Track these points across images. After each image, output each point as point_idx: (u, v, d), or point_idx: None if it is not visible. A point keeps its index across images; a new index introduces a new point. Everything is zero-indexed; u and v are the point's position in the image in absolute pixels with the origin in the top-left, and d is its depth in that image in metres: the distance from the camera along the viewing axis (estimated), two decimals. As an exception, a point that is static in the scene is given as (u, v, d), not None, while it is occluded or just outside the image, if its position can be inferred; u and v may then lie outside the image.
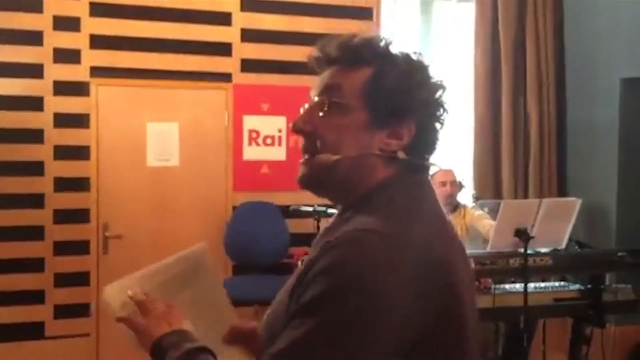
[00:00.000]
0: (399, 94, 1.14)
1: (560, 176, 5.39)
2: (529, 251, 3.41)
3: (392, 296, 1.02)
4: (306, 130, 1.20)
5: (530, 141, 5.30)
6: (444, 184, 4.24)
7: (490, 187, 5.19)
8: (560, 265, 3.54)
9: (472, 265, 1.23)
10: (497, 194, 5.22)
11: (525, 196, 5.24)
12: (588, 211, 4.80)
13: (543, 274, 3.72)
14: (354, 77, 1.16)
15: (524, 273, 3.35)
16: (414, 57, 1.21)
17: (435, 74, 1.22)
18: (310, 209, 3.60)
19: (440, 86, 1.21)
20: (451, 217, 4.05)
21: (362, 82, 1.15)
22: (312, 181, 1.21)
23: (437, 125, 1.21)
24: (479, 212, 4.09)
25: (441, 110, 1.21)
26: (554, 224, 3.49)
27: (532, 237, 3.36)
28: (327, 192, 1.23)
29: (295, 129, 1.22)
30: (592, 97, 5.12)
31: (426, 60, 1.21)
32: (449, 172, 4.30)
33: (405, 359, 1.05)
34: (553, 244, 3.57)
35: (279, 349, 1.05)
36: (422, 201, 1.17)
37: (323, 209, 3.59)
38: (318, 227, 3.60)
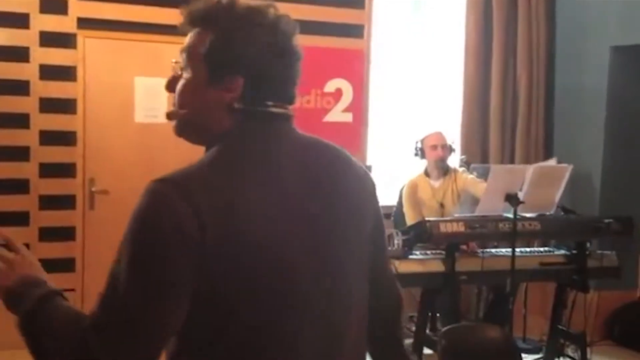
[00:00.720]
0: (229, 51, 1.25)
1: (547, 142, 5.42)
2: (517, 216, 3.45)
3: (168, 243, 1.12)
4: (168, 89, 1.35)
5: (518, 106, 5.31)
6: (434, 147, 4.23)
7: (477, 152, 5.21)
8: (548, 230, 3.59)
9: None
10: (484, 158, 5.24)
11: (512, 161, 5.28)
12: (573, 177, 4.84)
13: (531, 238, 3.77)
14: (197, 39, 1.28)
15: (513, 237, 3.39)
16: (256, 11, 1.28)
17: (282, 21, 1.29)
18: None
19: (274, 33, 1.27)
20: (441, 181, 4.12)
21: (202, 44, 1.27)
22: (178, 132, 1.33)
23: (276, 72, 1.28)
24: (471, 176, 4.10)
25: (278, 58, 1.27)
26: (544, 189, 3.52)
27: (522, 202, 3.39)
28: (196, 142, 1.34)
29: (165, 88, 1.35)
30: (581, 64, 5.13)
31: (271, 13, 1.29)
32: (440, 136, 4.29)
33: (204, 305, 1.14)
34: (542, 209, 3.60)
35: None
36: (254, 146, 1.26)
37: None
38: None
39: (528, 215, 3.58)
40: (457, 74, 5.29)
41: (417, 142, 4.32)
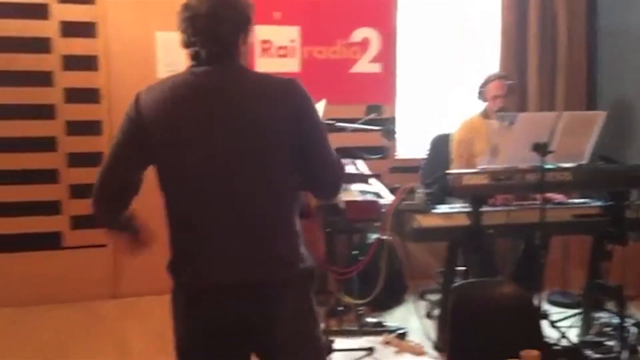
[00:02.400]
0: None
1: (590, 89, 5.14)
2: (548, 166, 3.27)
3: (123, 120, 1.93)
4: None
5: (557, 52, 5.03)
6: (495, 97, 4.08)
7: (514, 101, 4.97)
8: (580, 180, 3.38)
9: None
10: (523, 106, 5.01)
11: (552, 108, 5.03)
12: (619, 125, 4.59)
13: (562, 189, 3.56)
14: None
15: (541, 188, 3.21)
16: None
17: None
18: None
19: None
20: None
21: None
22: None
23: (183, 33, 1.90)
24: None
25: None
26: (575, 138, 3.31)
27: (551, 152, 3.19)
28: None
29: None
30: (627, 2, 4.79)
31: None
32: (500, 85, 4.11)
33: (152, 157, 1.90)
34: (574, 159, 3.39)
35: None
36: (180, 74, 1.92)
37: (330, 122, 3.45)
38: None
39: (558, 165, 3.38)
40: (493, 18, 5.03)
41: (479, 87, 4.17)
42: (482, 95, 4.16)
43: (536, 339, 2.22)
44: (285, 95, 1.87)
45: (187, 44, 1.88)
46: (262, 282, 1.84)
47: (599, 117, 3.33)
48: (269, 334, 1.87)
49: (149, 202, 2.02)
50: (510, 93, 4.18)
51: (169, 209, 1.91)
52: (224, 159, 1.82)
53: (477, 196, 3.32)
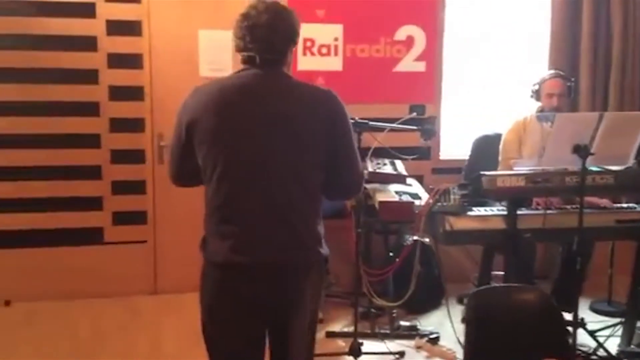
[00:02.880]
0: None
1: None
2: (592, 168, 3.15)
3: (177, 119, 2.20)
4: None
5: (611, 51, 4.83)
6: (550, 95, 3.96)
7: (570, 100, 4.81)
8: (622, 184, 3.23)
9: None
10: (574, 109, 4.83)
11: (605, 109, 4.84)
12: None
13: (603, 193, 3.43)
14: None
15: (581, 192, 3.08)
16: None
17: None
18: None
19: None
20: None
21: None
22: None
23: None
24: None
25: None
26: (618, 139, 3.16)
27: (592, 154, 3.06)
28: None
29: None
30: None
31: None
32: (558, 83, 3.98)
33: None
34: (616, 162, 3.25)
35: None
36: (229, 77, 2.20)
37: (364, 121, 3.42)
38: (359, 140, 3.44)
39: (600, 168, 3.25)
40: (544, 16, 4.87)
41: (534, 85, 4.06)
42: (536, 93, 4.03)
43: (560, 347, 2.12)
44: (323, 102, 2.13)
45: (243, 49, 2.15)
46: (292, 264, 2.11)
47: (644, 118, 3.17)
48: (289, 311, 2.15)
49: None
50: (567, 93, 4.02)
51: (211, 197, 2.13)
52: (265, 155, 2.07)
53: (513, 199, 3.22)
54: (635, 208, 3.51)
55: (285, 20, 2.17)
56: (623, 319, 3.71)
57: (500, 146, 4.13)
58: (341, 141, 2.15)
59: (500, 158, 4.11)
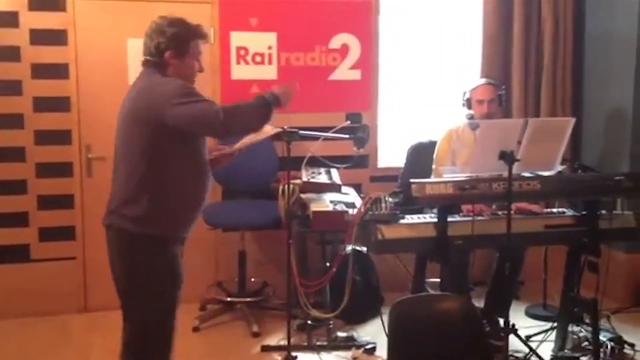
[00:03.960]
0: None
1: (575, 97, 5.01)
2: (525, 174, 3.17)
3: None
4: None
5: (543, 58, 4.91)
6: (481, 102, 3.97)
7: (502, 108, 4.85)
8: (549, 190, 3.26)
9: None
10: (507, 114, 4.88)
11: (537, 116, 4.90)
12: (605, 133, 4.46)
13: (530, 199, 3.45)
14: None
15: (508, 198, 3.09)
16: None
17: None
18: (278, 129, 3.37)
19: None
20: None
21: None
22: None
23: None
24: None
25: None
26: (544, 145, 3.19)
27: (518, 160, 3.08)
28: None
29: None
30: (611, 7, 4.67)
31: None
32: (487, 89, 3.99)
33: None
34: (543, 167, 3.28)
35: None
36: None
37: (294, 130, 3.36)
38: (288, 150, 3.39)
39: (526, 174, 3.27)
40: (475, 23, 4.92)
41: (464, 92, 4.06)
42: (467, 101, 4.04)
43: (482, 354, 2.10)
44: (149, 90, 2.54)
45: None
46: None
47: (569, 123, 3.21)
48: None
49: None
50: (497, 100, 4.03)
51: None
52: (117, 140, 2.63)
53: (442, 206, 3.21)
54: (564, 213, 3.54)
55: (160, 32, 2.58)
56: (556, 324, 3.74)
57: (434, 154, 4.14)
58: (170, 111, 2.44)
59: (433, 166, 4.12)
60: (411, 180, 3.20)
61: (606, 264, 3.56)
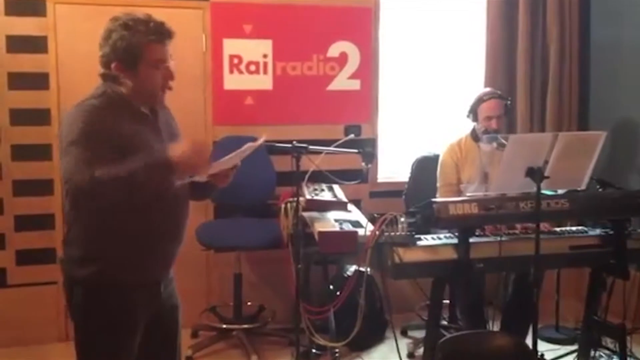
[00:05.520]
0: None
1: (582, 107, 4.84)
2: (545, 192, 2.94)
3: None
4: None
5: (549, 67, 4.73)
6: (489, 118, 3.73)
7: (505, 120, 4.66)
8: (578, 208, 3.04)
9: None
10: (511, 128, 4.69)
11: (542, 129, 4.72)
12: (613, 146, 4.30)
13: (558, 218, 3.24)
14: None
15: (537, 218, 2.86)
16: None
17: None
18: (288, 145, 3.11)
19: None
20: (491, 147, 3.51)
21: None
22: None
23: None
24: None
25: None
26: (573, 161, 2.97)
27: (547, 177, 2.85)
28: None
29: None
30: (619, 15, 4.51)
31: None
32: (495, 105, 3.75)
33: None
34: (571, 184, 3.06)
35: None
36: None
37: (304, 145, 3.10)
38: (297, 166, 3.12)
39: (554, 192, 3.05)
40: (479, 31, 4.72)
41: (471, 104, 3.82)
42: (473, 114, 3.82)
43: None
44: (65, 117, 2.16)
45: None
46: None
47: (600, 138, 2.99)
48: None
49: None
50: (505, 114, 3.83)
51: None
52: None
53: (465, 227, 2.97)
54: (586, 232, 3.33)
55: (106, 32, 2.15)
56: (577, 348, 3.53)
57: (438, 171, 3.91)
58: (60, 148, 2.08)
59: (438, 184, 3.89)
60: (433, 199, 2.96)
61: (621, 284, 3.37)
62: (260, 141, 2.40)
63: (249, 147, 2.30)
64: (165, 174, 1.99)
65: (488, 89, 3.99)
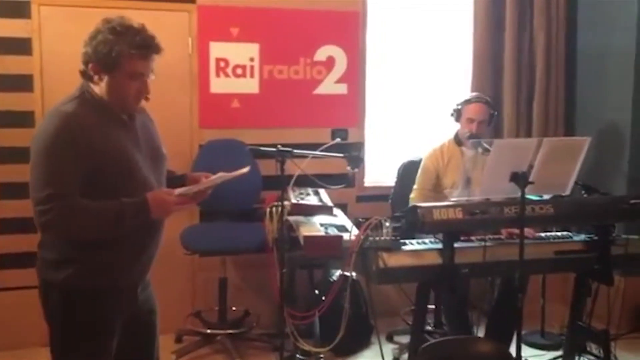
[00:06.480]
0: None
1: (568, 113, 4.85)
2: (531, 197, 2.95)
3: None
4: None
5: (535, 73, 4.74)
6: (471, 120, 3.75)
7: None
8: (562, 214, 3.04)
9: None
10: (497, 134, 4.70)
11: (529, 135, 4.73)
12: (599, 150, 4.31)
13: (543, 224, 3.23)
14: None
15: (521, 224, 2.86)
16: None
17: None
18: (272, 149, 3.09)
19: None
20: (475, 151, 3.50)
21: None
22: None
23: None
24: None
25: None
26: (557, 166, 2.98)
27: (531, 182, 2.85)
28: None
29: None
30: (606, 21, 4.53)
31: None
32: (479, 109, 3.77)
33: None
34: (556, 189, 3.07)
35: None
36: None
37: (288, 149, 3.08)
38: (282, 170, 3.10)
39: (540, 197, 3.05)
40: (466, 37, 4.72)
41: (457, 104, 3.83)
42: (457, 114, 3.82)
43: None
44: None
45: None
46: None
47: (584, 143, 3.00)
48: None
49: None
50: (488, 121, 3.83)
51: None
52: None
53: (450, 232, 2.96)
54: (571, 237, 3.33)
55: (93, 32, 2.14)
56: (560, 353, 3.53)
57: (417, 175, 3.91)
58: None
59: (414, 186, 3.90)
60: (416, 204, 2.96)
61: (606, 289, 3.37)
62: (246, 170, 2.55)
63: (233, 175, 2.43)
64: (139, 218, 2.09)
65: (477, 93, 4.00)
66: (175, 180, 2.44)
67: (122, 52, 2.08)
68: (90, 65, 2.13)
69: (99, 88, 2.15)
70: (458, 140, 3.85)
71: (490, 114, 3.82)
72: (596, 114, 4.64)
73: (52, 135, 2.03)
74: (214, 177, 2.42)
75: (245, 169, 2.58)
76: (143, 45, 2.11)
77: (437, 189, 3.84)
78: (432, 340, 2.53)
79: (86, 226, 2.05)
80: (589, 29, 4.71)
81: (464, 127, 3.80)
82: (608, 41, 4.51)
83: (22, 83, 3.92)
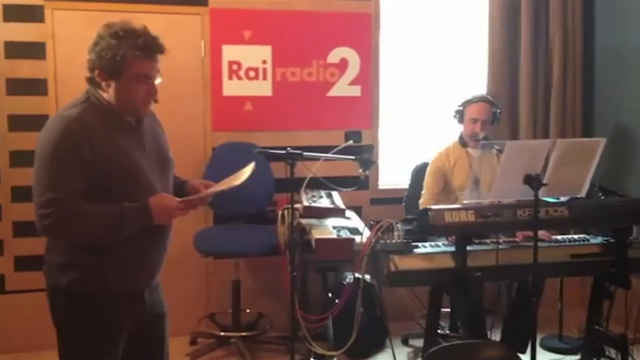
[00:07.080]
0: None
1: (586, 113, 4.77)
2: (546, 200, 2.90)
3: None
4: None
5: (552, 73, 4.67)
6: (474, 120, 3.70)
7: (505, 127, 4.60)
8: (577, 216, 2.98)
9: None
10: (514, 135, 4.64)
11: (546, 135, 4.66)
12: (616, 153, 4.24)
13: (557, 227, 3.18)
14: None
15: (534, 227, 2.81)
16: None
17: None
18: (282, 151, 3.07)
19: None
20: (481, 152, 3.46)
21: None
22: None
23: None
24: None
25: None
26: (572, 168, 2.92)
27: (545, 184, 2.81)
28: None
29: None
30: (624, 19, 4.45)
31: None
32: (481, 108, 3.71)
33: None
34: (570, 191, 3.01)
35: None
36: None
37: (298, 152, 3.06)
38: (292, 172, 3.08)
39: (556, 199, 3.00)
40: (481, 37, 4.67)
41: (458, 105, 3.79)
42: (459, 115, 3.78)
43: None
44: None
45: None
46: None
47: (599, 144, 2.94)
48: None
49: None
50: (491, 120, 3.78)
51: None
52: None
53: (461, 235, 2.92)
54: (588, 240, 3.27)
55: (96, 38, 2.15)
56: (579, 358, 3.47)
57: (425, 181, 3.87)
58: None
59: (423, 192, 3.85)
60: (428, 207, 2.92)
61: (623, 292, 3.30)
62: (248, 172, 2.52)
63: (233, 186, 2.39)
64: (141, 223, 2.09)
65: (478, 93, 3.94)
66: (177, 187, 2.42)
67: (126, 55, 2.07)
68: (96, 72, 2.12)
69: (108, 94, 2.14)
70: (463, 142, 3.80)
71: (493, 112, 3.77)
72: (614, 113, 4.56)
73: (55, 140, 2.02)
74: (212, 188, 2.38)
75: (247, 169, 2.54)
76: (146, 46, 2.10)
77: (446, 191, 3.79)
78: (439, 345, 2.49)
79: (87, 230, 2.05)
80: (606, 28, 4.64)
81: (468, 128, 3.75)
82: (625, 40, 4.43)
83: (37, 87, 3.95)
